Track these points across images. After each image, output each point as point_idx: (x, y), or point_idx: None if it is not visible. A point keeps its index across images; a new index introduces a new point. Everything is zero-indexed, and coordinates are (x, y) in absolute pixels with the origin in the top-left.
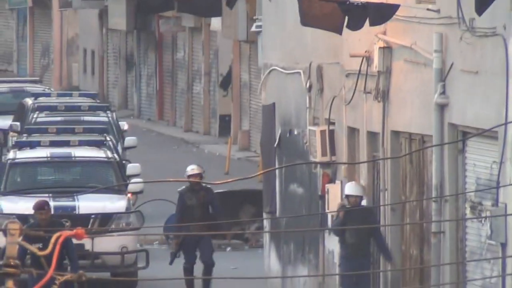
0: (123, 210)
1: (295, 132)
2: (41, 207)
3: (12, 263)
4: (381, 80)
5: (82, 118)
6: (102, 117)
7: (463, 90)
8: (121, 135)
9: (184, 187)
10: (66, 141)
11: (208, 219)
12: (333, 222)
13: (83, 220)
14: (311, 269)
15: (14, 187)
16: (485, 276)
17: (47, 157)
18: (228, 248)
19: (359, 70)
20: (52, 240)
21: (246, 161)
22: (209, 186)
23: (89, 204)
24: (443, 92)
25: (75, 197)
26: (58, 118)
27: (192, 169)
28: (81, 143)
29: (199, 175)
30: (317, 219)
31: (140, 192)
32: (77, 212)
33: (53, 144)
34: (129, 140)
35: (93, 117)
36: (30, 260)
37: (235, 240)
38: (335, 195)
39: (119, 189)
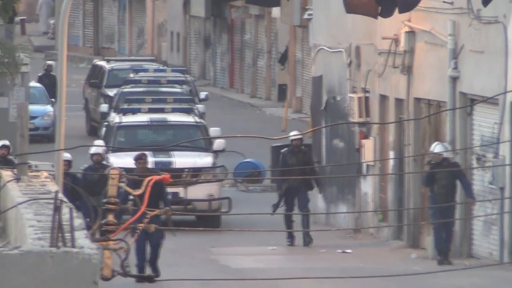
0: (210, 165)
1: (338, 98)
2: (139, 157)
3: (112, 201)
4: (407, 57)
5: (159, 89)
6: (177, 89)
7: (471, 66)
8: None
9: (286, 148)
10: (161, 108)
11: (305, 175)
12: (424, 176)
13: (178, 172)
14: (349, 206)
15: (120, 146)
16: (487, 214)
17: (147, 121)
18: None
19: (389, 50)
20: (144, 182)
21: (299, 121)
22: (307, 149)
23: (182, 159)
24: (456, 68)
25: (171, 153)
26: (140, 89)
27: (294, 134)
28: (174, 110)
29: (300, 139)
30: (354, 167)
31: (223, 150)
32: (173, 167)
33: (150, 110)
34: (199, 107)
35: (169, 89)
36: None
37: None
38: (369, 148)
39: (206, 148)
